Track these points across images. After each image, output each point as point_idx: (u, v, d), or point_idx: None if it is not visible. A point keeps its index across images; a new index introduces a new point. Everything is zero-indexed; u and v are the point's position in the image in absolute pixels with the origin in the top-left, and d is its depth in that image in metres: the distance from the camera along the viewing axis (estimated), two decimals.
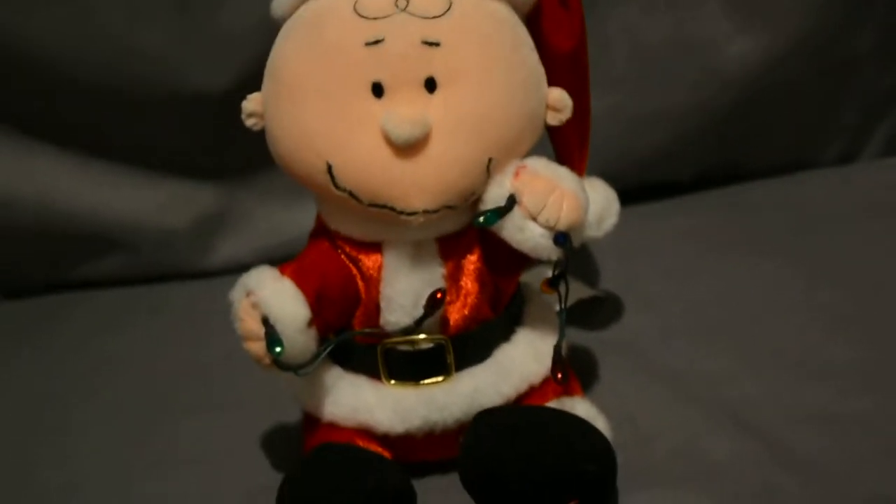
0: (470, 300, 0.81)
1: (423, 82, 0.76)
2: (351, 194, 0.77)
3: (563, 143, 0.86)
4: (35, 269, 1.20)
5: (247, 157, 1.06)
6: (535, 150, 0.81)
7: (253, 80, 0.82)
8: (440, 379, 0.81)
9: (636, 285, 1.06)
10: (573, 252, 0.79)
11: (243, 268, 0.83)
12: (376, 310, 0.81)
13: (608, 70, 1.13)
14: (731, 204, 1.19)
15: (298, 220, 1.09)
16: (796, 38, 1.13)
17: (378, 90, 0.76)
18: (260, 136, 0.81)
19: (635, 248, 1.10)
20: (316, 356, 0.79)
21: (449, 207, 0.77)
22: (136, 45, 1.09)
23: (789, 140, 1.22)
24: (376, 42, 0.75)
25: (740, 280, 1.05)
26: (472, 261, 0.81)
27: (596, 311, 1.02)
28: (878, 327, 0.95)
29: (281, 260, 0.84)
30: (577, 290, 1.01)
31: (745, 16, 1.12)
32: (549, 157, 0.82)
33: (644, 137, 1.17)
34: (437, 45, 0.75)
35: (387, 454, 0.82)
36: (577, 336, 0.99)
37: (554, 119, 0.80)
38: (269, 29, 0.82)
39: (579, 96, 0.83)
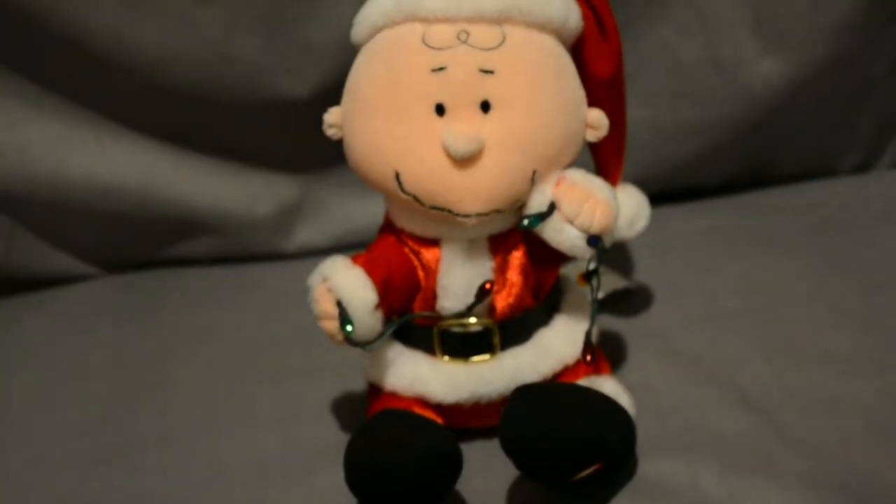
0: (514, 290, 0.85)
1: (479, 104, 0.79)
2: (415, 198, 0.81)
3: (601, 156, 0.90)
4: (135, 248, 1.20)
5: (325, 156, 1.07)
6: (576, 162, 0.84)
7: (333, 89, 0.86)
8: (487, 357, 0.86)
9: (665, 278, 1.07)
10: (605, 252, 0.82)
11: (319, 252, 0.87)
12: (433, 296, 0.85)
13: (646, 84, 1.14)
14: (754, 207, 1.18)
15: (368, 211, 1.11)
16: (816, 62, 1.12)
17: (440, 110, 0.80)
18: (339, 141, 0.85)
19: (666, 245, 1.10)
20: (381, 335, 0.83)
21: (498, 211, 0.81)
22: (231, 53, 1.09)
23: (810, 150, 1.21)
24: (440, 69, 0.79)
25: (759, 274, 1.06)
26: (517, 256, 0.85)
27: (628, 301, 1.04)
28: (880, 322, 0.97)
29: (351, 245, 0.89)
30: (612, 282, 1.04)
31: (770, 40, 1.12)
32: (589, 168, 0.86)
33: (677, 146, 1.17)
34: (491, 72, 0.79)
35: (439, 420, 0.86)
36: (611, 322, 1.01)
37: (592, 136, 0.83)
38: (348, 46, 0.85)
39: (616, 115, 0.86)
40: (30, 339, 1.13)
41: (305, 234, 1.21)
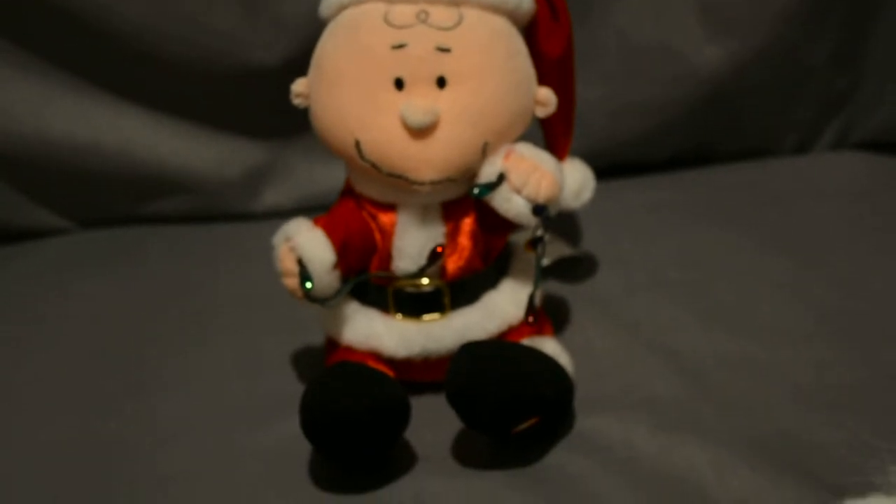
0: (465, 254, 0.87)
1: (435, 80, 0.82)
2: (373, 165, 0.83)
3: (550, 131, 0.92)
4: (110, 205, 1.22)
5: (293, 122, 1.03)
6: (527, 136, 0.86)
7: (302, 59, 0.87)
8: (437, 316, 0.87)
9: (609, 247, 1.08)
10: (549, 220, 0.84)
11: (285, 213, 0.87)
12: (389, 258, 0.86)
13: (599, 66, 1.16)
14: (699, 183, 1.20)
15: (332, 177, 1.14)
16: (758, 49, 1.15)
17: (399, 84, 0.82)
18: (305, 109, 0.86)
19: (612, 217, 1.11)
20: (339, 292, 0.85)
21: (450, 180, 0.83)
22: (208, 24, 1.11)
23: (752, 131, 1.23)
24: (400, 46, 0.81)
25: (699, 247, 1.08)
26: (468, 223, 0.87)
27: (573, 268, 1.05)
28: (809, 295, 0.99)
29: (316, 208, 0.88)
30: (559, 250, 1.05)
31: (715, 28, 1.14)
32: (539, 143, 0.87)
33: (626, 124, 1.19)
34: (448, 50, 0.81)
35: (391, 373, 0.87)
36: (556, 288, 1.02)
37: (541, 112, 0.85)
38: (317, 20, 0.87)
39: (565, 94, 0.89)
40: (8, 289, 1.14)
41: (272, 197, 1.23)
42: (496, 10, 0.84)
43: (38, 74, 1.15)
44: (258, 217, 1.22)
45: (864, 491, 0.73)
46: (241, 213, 1.23)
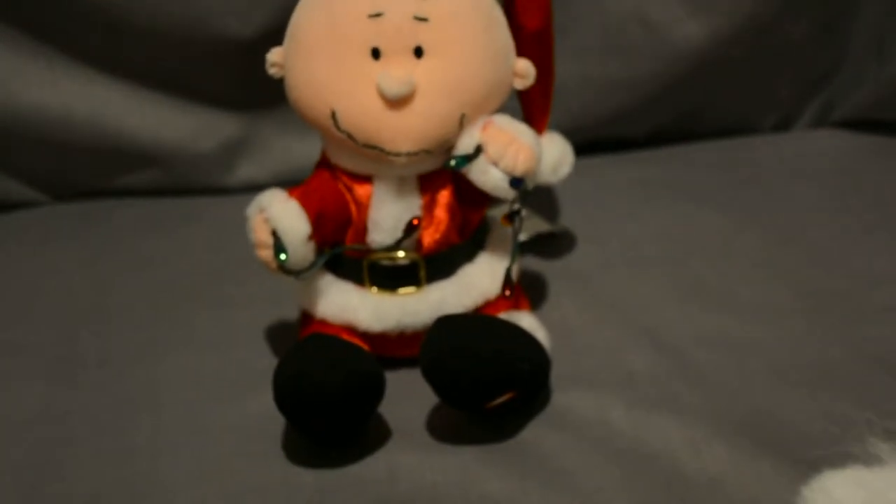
0: (441, 227, 0.87)
1: (412, 50, 0.81)
2: (349, 136, 0.83)
3: (529, 105, 0.93)
4: (83, 178, 1.21)
5: (269, 94, 1.04)
6: (505, 109, 0.86)
7: (277, 31, 0.87)
8: (413, 290, 0.87)
9: (587, 223, 1.08)
10: (527, 194, 0.84)
11: (259, 187, 0.85)
12: (364, 230, 0.86)
13: (578, 40, 1.15)
14: (678, 160, 1.20)
15: (308, 150, 1.11)
16: (739, 24, 1.14)
17: (376, 54, 0.82)
18: (280, 80, 0.86)
19: (591, 193, 1.12)
20: (313, 264, 0.85)
21: (427, 152, 0.83)
22: None
23: (732, 109, 1.23)
24: (377, 15, 0.81)
25: (677, 224, 1.08)
26: (444, 195, 0.87)
27: (551, 244, 1.05)
28: (786, 272, 0.99)
29: (292, 182, 0.87)
30: (537, 225, 1.06)
31: (696, 2, 1.14)
32: (517, 115, 0.87)
33: (605, 99, 1.18)
34: (425, 20, 0.81)
35: (366, 347, 0.86)
36: (534, 263, 1.02)
37: (519, 84, 0.85)
38: None
39: (543, 66, 0.89)
40: None
41: (247, 171, 1.22)
42: None
43: (8, 44, 1.15)
44: (233, 191, 1.22)
45: (842, 462, 0.73)
46: (216, 186, 1.22)
